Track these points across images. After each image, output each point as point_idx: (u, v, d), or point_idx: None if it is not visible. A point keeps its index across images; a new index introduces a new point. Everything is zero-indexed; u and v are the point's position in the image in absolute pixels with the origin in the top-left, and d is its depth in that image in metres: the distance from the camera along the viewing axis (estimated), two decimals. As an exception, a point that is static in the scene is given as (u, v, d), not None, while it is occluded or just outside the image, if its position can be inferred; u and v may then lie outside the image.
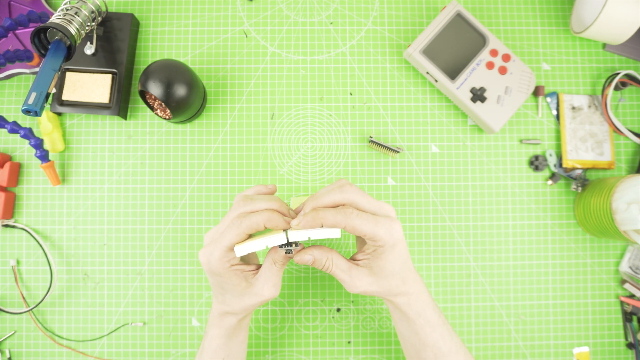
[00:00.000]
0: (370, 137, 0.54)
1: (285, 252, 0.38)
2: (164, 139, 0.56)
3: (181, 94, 0.49)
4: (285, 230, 0.38)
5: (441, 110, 0.56)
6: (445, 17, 0.53)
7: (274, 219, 0.37)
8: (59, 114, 0.55)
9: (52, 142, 0.54)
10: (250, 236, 0.39)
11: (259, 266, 0.42)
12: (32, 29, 0.54)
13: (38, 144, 0.52)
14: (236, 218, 0.38)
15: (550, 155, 0.56)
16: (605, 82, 0.55)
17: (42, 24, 0.46)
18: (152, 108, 0.52)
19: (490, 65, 0.53)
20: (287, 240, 0.37)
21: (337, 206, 0.39)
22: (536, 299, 0.54)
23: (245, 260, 0.44)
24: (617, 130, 0.55)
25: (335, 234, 0.37)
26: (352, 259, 0.42)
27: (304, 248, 0.40)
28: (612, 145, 0.55)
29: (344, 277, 0.40)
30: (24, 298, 0.53)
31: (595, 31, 0.53)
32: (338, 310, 0.54)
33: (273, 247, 0.40)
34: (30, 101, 0.43)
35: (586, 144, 0.55)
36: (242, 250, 0.37)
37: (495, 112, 0.53)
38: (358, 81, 0.57)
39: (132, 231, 0.54)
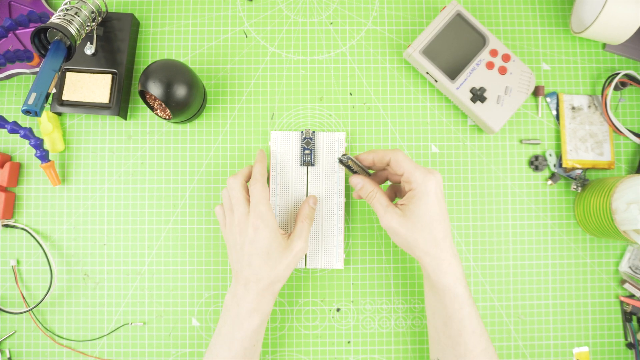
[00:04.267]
0: (344, 155, 0.47)
1: (341, 162, 0.47)
2: (164, 139, 0.56)
3: (181, 94, 0.49)
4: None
5: (441, 110, 0.56)
6: (445, 17, 0.53)
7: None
8: (59, 114, 0.55)
9: (52, 142, 0.54)
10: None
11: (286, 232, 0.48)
12: (32, 29, 0.54)
13: (38, 144, 0.52)
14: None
15: (550, 155, 0.56)
16: (605, 82, 0.55)
17: (42, 24, 0.46)
18: (152, 108, 0.52)
19: (490, 65, 0.53)
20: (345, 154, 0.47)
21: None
22: (536, 299, 0.54)
23: None
24: (616, 130, 0.55)
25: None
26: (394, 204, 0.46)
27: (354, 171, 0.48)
28: (611, 145, 0.55)
29: (380, 210, 0.45)
30: (24, 298, 0.53)
31: (595, 31, 0.53)
32: (338, 310, 0.54)
33: (303, 207, 0.50)
34: (30, 101, 0.43)
35: (586, 144, 0.55)
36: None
37: (495, 112, 0.53)
38: (358, 81, 0.57)
39: (132, 231, 0.54)
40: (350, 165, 0.48)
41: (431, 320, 0.46)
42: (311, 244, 0.53)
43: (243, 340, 0.44)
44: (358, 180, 0.47)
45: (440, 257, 0.42)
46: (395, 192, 0.51)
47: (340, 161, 0.47)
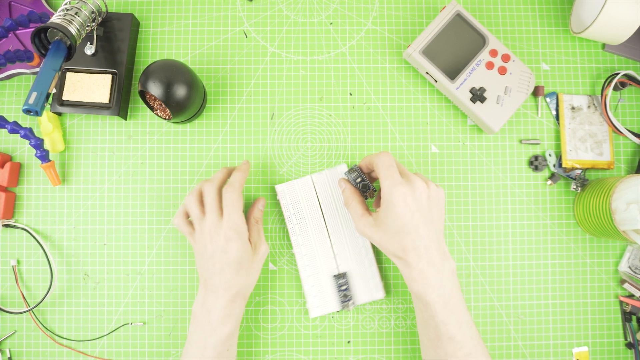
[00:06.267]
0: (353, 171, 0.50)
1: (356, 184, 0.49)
2: (164, 139, 0.56)
3: (181, 94, 0.49)
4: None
5: (441, 110, 0.57)
6: (445, 17, 0.53)
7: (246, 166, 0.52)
8: (59, 114, 0.55)
9: (52, 142, 0.54)
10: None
11: None
12: (33, 29, 0.54)
13: (38, 144, 0.52)
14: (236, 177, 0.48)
15: (550, 155, 0.56)
16: (605, 82, 0.56)
17: (42, 24, 0.46)
18: (152, 108, 0.52)
19: (489, 66, 0.53)
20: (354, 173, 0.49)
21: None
22: (536, 299, 0.54)
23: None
24: (616, 130, 0.55)
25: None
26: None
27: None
28: (611, 145, 0.55)
29: (355, 218, 0.46)
30: (24, 298, 0.53)
31: (594, 31, 0.53)
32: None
33: (253, 210, 0.51)
34: (31, 101, 0.43)
35: (585, 144, 0.55)
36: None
37: (495, 112, 0.53)
38: (358, 81, 0.57)
39: (132, 231, 0.54)
40: (356, 179, 0.49)
41: (417, 322, 0.47)
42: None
43: (216, 346, 0.44)
44: (342, 184, 0.49)
45: (410, 264, 0.42)
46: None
47: (350, 174, 0.49)
